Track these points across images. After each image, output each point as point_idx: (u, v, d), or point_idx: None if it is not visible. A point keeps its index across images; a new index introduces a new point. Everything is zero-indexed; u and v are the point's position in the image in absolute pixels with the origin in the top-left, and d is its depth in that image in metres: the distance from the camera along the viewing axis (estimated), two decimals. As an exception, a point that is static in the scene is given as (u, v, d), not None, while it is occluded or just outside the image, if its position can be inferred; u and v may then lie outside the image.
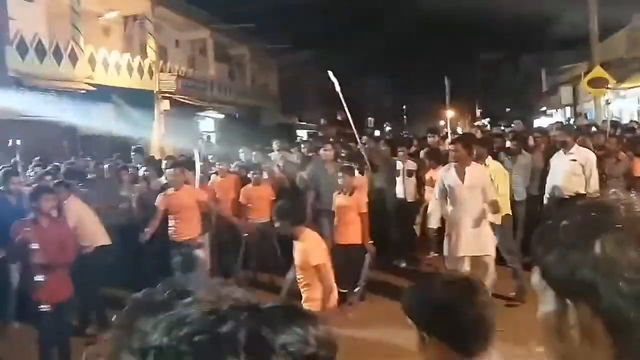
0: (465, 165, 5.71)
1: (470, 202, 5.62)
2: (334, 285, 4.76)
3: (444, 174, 5.98)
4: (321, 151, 8.52)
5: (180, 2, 21.97)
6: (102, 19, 18.26)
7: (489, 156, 6.79)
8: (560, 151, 7.27)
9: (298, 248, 4.69)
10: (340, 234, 6.79)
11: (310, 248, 4.62)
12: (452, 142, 6.33)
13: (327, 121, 36.37)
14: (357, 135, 8.11)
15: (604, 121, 9.53)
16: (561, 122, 13.37)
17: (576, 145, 7.17)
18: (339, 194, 6.88)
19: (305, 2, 33.48)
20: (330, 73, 9.15)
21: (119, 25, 19.44)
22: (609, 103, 11.07)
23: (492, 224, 5.88)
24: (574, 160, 6.97)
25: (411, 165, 8.69)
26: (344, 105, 8.91)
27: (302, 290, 4.71)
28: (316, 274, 4.58)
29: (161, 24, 21.15)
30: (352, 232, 6.72)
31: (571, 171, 6.96)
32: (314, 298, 4.59)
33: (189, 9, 22.75)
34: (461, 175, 5.74)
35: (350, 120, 7.68)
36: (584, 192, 6.92)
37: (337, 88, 8.87)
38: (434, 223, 6.13)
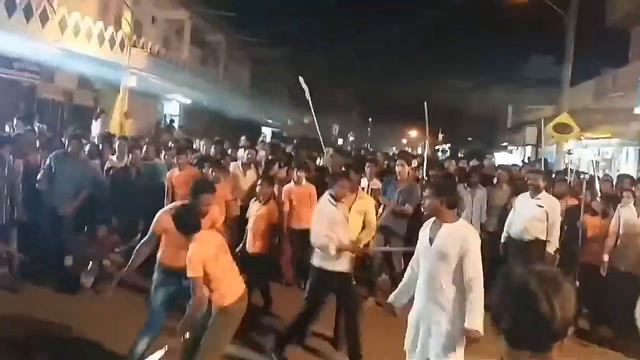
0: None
1: None
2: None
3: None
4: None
5: (163, -21, 21.46)
6: (80, -17, 17.58)
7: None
8: (527, 193, 7.30)
9: None
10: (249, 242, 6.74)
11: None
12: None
13: (293, 122, 36.22)
14: (323, 147, 8.10)
15: (572, 170, 9.68)
16: (533, 163, 13.55)
17: (544, 191, 7.22)
18: (255, 201, 6.89)
19: (287, 1, 33.24)
20: (301, 79, 9.05)
21: (97, -8, 18.77)
22: (571, 153, 11.29)
23: None
24: (541, 206, 7.00)
25: (376, 184, 8.50)
26: (313, 114, 8.83)
27: None
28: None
29: (140, -3, 20.58)
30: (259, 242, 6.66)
31: (536, 216, 7.00)
32: None
33: (171, -14, 22.25)
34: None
35: (318, 131, 7.63)
36: (543, 239, 6.98)
37: (307, 96, 8.79)
38: None
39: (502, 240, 7.60)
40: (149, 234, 4.74)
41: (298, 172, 7.86)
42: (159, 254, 4.80)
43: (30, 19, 14.33)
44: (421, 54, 49.21)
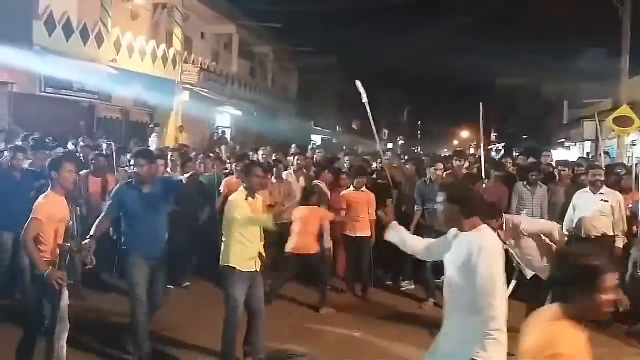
0: None
1: None
2: None
3: None
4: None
5: (210, -6, 21.97)
6: (132, 4, 18.22)
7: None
8: (587, 189, 7.06)
9: None
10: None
11: None
12: None
13: (342, 129, 36.28)
14: (380, 151, 7.97)
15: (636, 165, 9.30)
16: (591, 159, 13.08)
17: (605, 186, 6.97)
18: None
19: (331, 9, 33.38)
20: (358, 83, 9.03)
21: (148, 12, 19.40)
22: (635, 145, 10.81)
23: None
24: (606, 201, 6.77)
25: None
26: (370, 117, 8.76)
27: None
28: None
29: (189, 14, 21.12)
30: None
31: (601, 211, 6.77)
32: None
33: (218, 2, 22.74)
34: None
35: (376, 136, 7.56)
36: (611, 234, 6.74)
37: (364, 99, 8.74)
38: None
39: (565, 239, 7.35)
40: None
41: (358, 178, 7.74)
42: None
43: (87, 42, 14.94)
44: (470, 53, 48.33)
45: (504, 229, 5.64)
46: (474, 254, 3.29)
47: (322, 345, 5.85)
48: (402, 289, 7.92)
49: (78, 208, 6.53)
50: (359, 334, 6.12)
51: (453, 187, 4.17)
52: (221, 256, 5.09)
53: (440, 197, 3.61)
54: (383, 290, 7.88)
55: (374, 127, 8.62)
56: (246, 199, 5.08)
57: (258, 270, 5.13)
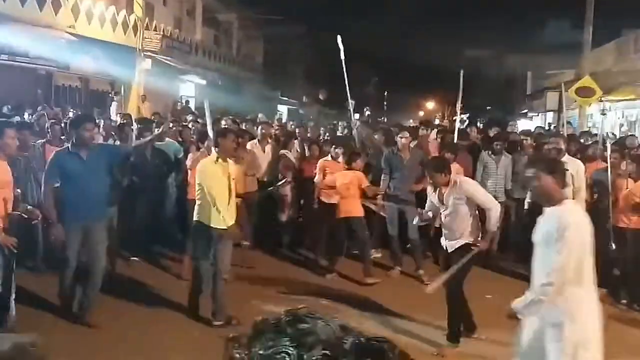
0: None
1: None
2: None
3: None
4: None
5: (173, -41, 21.31)
6: (90, -33, 17.53)
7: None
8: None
9: None
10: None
11: None
12: None
13: (309, 99, 36.04)
14: (352, 118, 8.00)
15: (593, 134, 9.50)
16: (556, 128, 13.28)
17: (567, 155, 7.07)
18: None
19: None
20: (339, 38, 8.95)
21: (107, -24, 18.70)
22: (605, 114, 10.95)
23: None
24: (565, 169, 6.86)
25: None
26: (346, 80, 8.69)
27: None
28: None
29: (150, -21, 20.48)
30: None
31: (560, 180, 6.87)
32: None
33: (181, -33, 22.10)
34: None
35: (350, 104, 7.53)
36: (571, 202, 6.86)
37: (342, 56, 8.64)
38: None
39: (526, 206, 7.49)
40: None
41: (336, 149, 7.76)
42: None
43: (43, 7, 14.35)
44: (436, 24, 48.35)
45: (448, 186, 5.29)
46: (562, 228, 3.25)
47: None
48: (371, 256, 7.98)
49: (33, 175, 6.35)
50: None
51: (542, 159, 4.24)
52: (194, 213, 5.50)
53: (531, 172, 3.47)
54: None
55: (348, 89, 8.53)
56: (216, 162, 5.39)
57: (227, 228, 5.35)
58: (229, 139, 5.51)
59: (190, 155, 7.48)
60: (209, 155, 6.00)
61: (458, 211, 5.26)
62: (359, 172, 7.21)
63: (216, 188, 5.31)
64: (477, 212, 5.34)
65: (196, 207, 5.48)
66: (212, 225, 5.35)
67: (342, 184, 7.10)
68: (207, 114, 6.66)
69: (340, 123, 12.83)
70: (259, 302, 5.83)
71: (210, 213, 5.33)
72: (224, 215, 5.31)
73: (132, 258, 7.26)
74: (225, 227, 5.35)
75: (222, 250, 5.49)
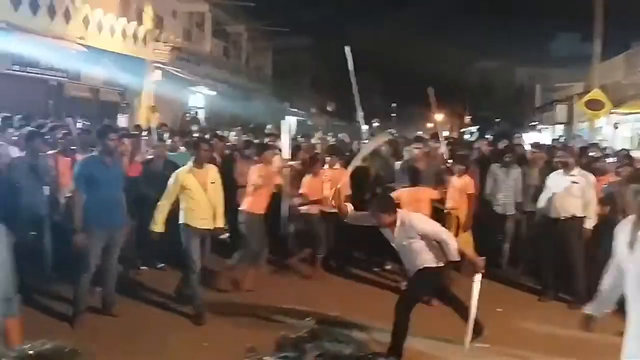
0: None
1: None
2: None
3: None
4: None
5: (182, -28, 21.51)
6: (101, -20, 17.70)
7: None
8: (560, 170, 7.13)
9: None
10: None
11: None
12: None
13: (317, 110, 36.11)
14: (361, 129, 8.12)
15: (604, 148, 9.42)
16: (566, 142, 13.21)
17: (578, 167, 7.03)
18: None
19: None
20: (347, 49, 8.94)
21: (118, -12, 18.87)
22: (617, 127, 10.90)
23: None
24: (576, 182, 6.82)
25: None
26: (355, 89, 8.68)
27: None
28: None
29: (160, -9, 20.64)
30: None
31: (571, 192, 6.82)
32: None
33: (190, -20, 22.27)
34: None
35: (360, 116, 7.53)
36: (580, 216, 6.81)
37: (350, 65, 8.63)
38: None
39: (537, 219, 7.45)
40: None
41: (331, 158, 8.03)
42: None
43: (54, 18, 14.48)
44: (445, 36, 48.43)
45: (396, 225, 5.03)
46: None
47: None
48: (388, 267, 8.00)
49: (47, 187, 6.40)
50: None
51: None
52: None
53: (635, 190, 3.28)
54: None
55: (357, 100, 8.50)
56: (191, 170, 5.88)
57: (211, 229, 5.99)
58: (202, 148, 5.99)
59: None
60: (267, 165, 7.03)
61: (412, 249, 5.04)
62: (425, 188, 7.16)
63: (191, 193, 5.81)
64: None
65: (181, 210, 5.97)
66: (195, 226, 5.84)
67: (407, 203, 6.54)
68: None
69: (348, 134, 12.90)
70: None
71: (190, 214, 5.85)
72: (205, 217, 5.85)
73: (142, 267, 7.31)
74: (209, 228, 5.94)
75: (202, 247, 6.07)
